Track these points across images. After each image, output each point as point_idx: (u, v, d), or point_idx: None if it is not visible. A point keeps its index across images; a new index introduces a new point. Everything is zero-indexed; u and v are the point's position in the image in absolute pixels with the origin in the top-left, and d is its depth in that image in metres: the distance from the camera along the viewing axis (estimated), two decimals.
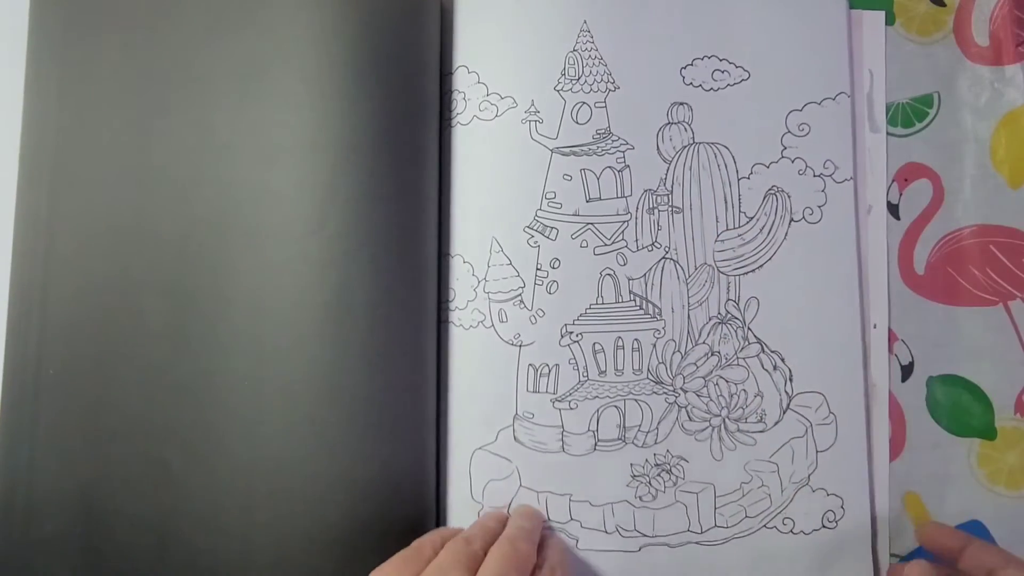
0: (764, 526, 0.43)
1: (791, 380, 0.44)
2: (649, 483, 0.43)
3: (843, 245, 0.45)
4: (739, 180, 0.45)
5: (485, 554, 0.37)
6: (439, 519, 0.43)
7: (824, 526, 0.43)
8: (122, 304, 0.42)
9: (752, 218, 0.45)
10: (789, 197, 0.45)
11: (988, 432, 0.45)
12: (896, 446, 0.45)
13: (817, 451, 0.44)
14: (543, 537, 0.41)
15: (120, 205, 0.43)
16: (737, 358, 0.44)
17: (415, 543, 0.38)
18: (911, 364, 0.46)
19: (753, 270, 0.44)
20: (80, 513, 0.41)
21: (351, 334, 0.41)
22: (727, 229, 0.44)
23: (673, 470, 0.43)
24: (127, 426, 0.41)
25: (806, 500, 0.43)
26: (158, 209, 0.42)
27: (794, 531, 0.43)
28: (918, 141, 0.47)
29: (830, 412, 0.44)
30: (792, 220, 0.45)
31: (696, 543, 0.43)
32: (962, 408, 0.45)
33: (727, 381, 0.43)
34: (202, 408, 0.41)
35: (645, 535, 0.43)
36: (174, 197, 0.43)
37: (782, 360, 0.44)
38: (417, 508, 0.42)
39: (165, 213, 0.42)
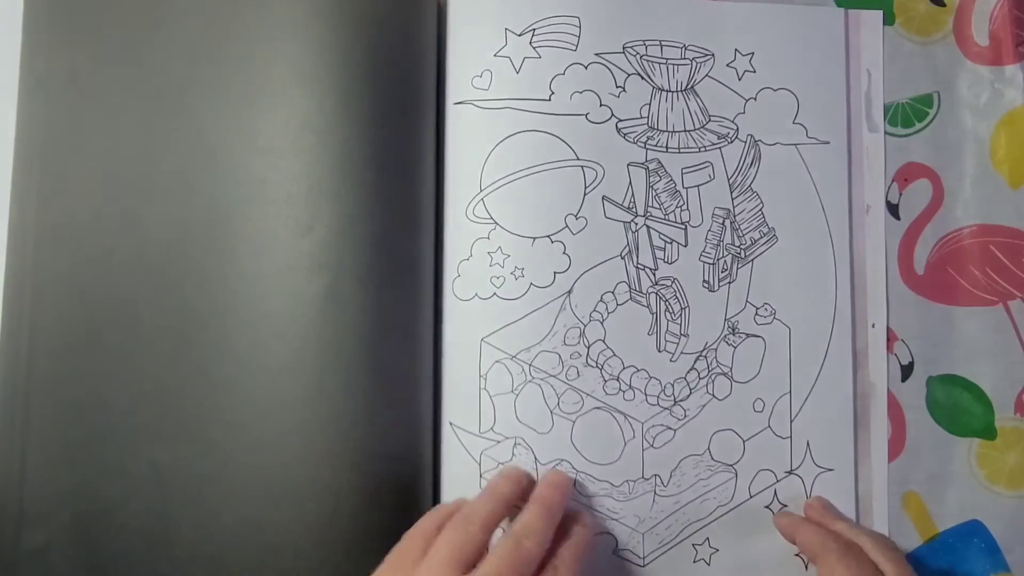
0: None
1: None
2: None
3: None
4: None
5: (485, 535, 0.35)
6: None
7: None
8: (113, 305, 0.42)
9: None
10: None
11: (988, 432, 0.45)
12: (896, 446, 0.45)
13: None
14: (564, 525, 0.38)
15: (110, 206, 0.42)
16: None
17: (407, 535, 0.37)
18: (911, 364, 0.46)
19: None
20: (72, 521, 0.41)
21: (345, 336, 0.41)
22: None
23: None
24: (119, 429, 0.41)
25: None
26: (149, 210, 0.42)
27: None
28: (918, 141, 0.47)
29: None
30: None
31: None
32: (962, 408, 0.46)
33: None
34: (194, 411, 0.41)
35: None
36: (165, 198, 0.42)
37: None
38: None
39: (156, 214, 0.42)
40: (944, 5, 0.48)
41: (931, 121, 0.47)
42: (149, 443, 0.41)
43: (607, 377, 0.43)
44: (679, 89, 0.45)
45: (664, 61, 0.45)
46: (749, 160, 0.45)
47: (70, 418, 0.41)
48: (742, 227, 0.45)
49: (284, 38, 0.42)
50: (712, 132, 0.45)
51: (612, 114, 0.44)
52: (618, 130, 0.44)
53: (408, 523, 0.41)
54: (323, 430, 0.41)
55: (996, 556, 0.44)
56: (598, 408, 0.43)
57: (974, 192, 0.46)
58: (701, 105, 0.45)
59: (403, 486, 0.41)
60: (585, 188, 0.44)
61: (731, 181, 0.45)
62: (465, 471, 0.43)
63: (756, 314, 0.45)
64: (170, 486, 0.41)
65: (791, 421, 0.44)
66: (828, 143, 0.46)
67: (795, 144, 0.46)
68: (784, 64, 0.46)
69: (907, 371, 0.46)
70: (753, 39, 0.46)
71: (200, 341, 0.41)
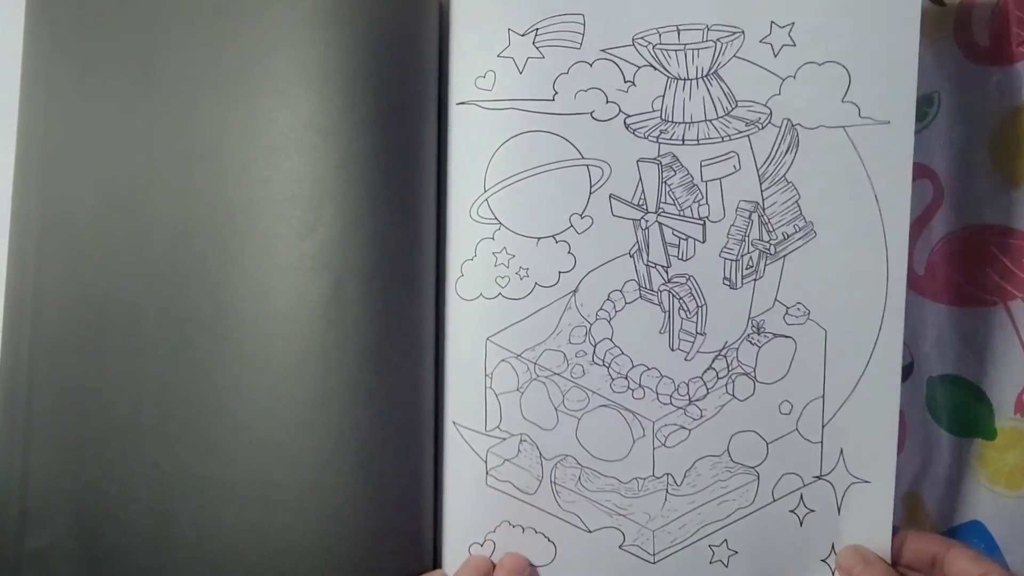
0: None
1: None
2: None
3: None
4: None
5: None
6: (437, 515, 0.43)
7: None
8: (115, 305, 0.42)
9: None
10: None
11: (988, 432, 0.45)
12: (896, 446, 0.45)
13: None
14: None
15: (112, 206, 0.42)
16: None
17: None
18: (911, 364, 0.46)
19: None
20: (75, 521, 0.41)
21: (348, 336, 0.41)
22: None
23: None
24: (122, 430, 0.41)
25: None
26: (151, 210, 0.42)
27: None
28: (918, 141, 0.47)
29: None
30: None
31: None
32: (962, 408, 0.46)
33: None
34: (197, 412, 0.41)
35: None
36: (167, 198, 0.42)
37: None
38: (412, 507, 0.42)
39: (158, 214, 0.42)
40: (944, 5, 0.48)
41: (931, 121, 0.47)
42: (152, 444, 0.41)
43: (615, 375, 0.43)
44: (699, 76, 0.43)
45: (681, 47, 0.42)
46: (784, 147, 0.42)
47: (73, 419, 0.41)
48: (773, 221, 0.42)
49: (287, 38, 0.42)
50: (739, 119, 0.42)
51: (620, 110, 0.43)
52: (626, 126, 0.43)
53: (411, 523, 0.41)
54: (326, 431, 0.41)
55: (996, 556, 0.45)
56: (604, 406, 0.43)
57: (974, 192, 0.47)
58: (726, 90, 0.42)
59: (406, 485, 0.41)
60: (591, 187, 0.43)
61: (761, 172, 0.42)
62: (470, 469, 0.43)
63: (787, 313, 0.42)
64: (173, 487, 0.41)
65: (823, 426, 0.42)
66: (888, 123, 0.41)
67: (843, 126, 0.42)
68: (833, 33, 0.42)
69: (907, 371, 0.46)
70: (793, 6, 0.42)
71: (203, 341, 0.41)
